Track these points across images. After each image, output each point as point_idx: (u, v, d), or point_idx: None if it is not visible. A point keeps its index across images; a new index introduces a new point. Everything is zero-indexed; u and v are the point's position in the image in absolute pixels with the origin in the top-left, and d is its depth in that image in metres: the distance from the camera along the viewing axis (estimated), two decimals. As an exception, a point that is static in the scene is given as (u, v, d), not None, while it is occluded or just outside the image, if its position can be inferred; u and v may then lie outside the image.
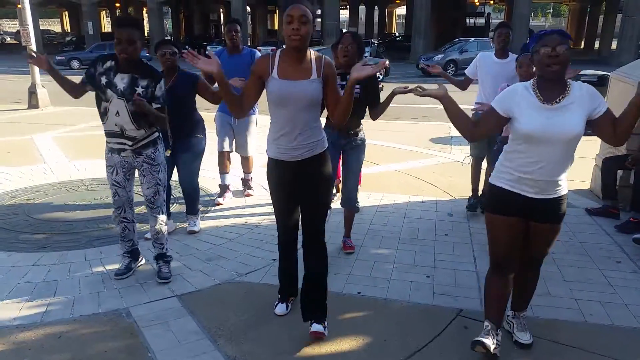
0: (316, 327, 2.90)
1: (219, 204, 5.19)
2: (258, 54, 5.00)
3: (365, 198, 5.17)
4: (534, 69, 2.55)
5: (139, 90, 3.22)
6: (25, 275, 3.64)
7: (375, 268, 3.80)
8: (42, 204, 5.21)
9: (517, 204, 2.58)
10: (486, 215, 2.74)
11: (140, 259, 3.77)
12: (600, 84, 8.27)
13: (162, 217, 3.58)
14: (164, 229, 3.61)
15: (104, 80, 3.22)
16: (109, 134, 3.36)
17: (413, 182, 6.01)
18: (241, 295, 3.42)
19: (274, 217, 3.08)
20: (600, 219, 4.77)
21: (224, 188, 5.32)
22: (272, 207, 3.05)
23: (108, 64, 3.25)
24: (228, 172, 5.31)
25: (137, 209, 3.99)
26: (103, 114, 3.29)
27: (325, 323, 2.96)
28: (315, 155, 2.79)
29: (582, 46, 40.04)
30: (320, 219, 2.92)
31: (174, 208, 4.91)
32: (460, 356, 2.78)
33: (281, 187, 2.89)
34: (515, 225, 2.63)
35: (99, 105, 3.30)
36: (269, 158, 2.87)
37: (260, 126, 5.23)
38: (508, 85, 3.61)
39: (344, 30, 5.58)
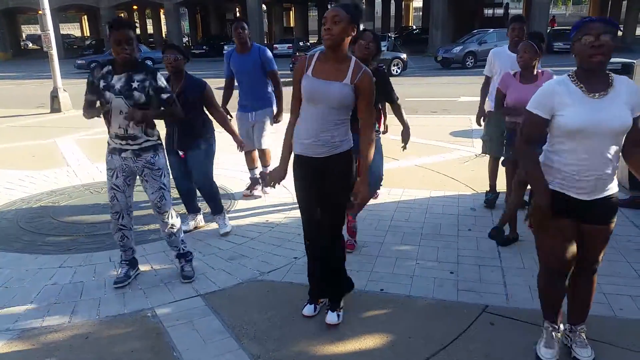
0: (329, 317, 3.02)
1: (245, 196, 5.37)
2: (267, 51, 5.01)
3: (386, 194, 5.14)
4: (575, 58, 2.31)
5: (135, 84, 3.23)
6: (52, 277, 3.70)
7: (397, 265, 3.77)
8: (67, 207, 5.30)
9: (567, 205, 2.41)
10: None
11: (137, 268, 3.72)
12: (625, 71, 8.06)
13: (171, 221, 3.54)
14: (175, 231, 3.58)
15: (102, 84, 3.26)
16: (112, 136, 3.39)
17: (434, 176, 5.96)
18: (264, 293, 3.43)
19: (294, 215, 3.07)
20: (628, 211, 4.66)
21: (254, 181, 5.50)
22: (292, 205, 3.05)
23: (105, 69, 3.29)
24: (256, 167, 5.49)
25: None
26: (106, 119, 3.33)
27: (341, 311, 3.04)
28: (340, 153, 2.80)
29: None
30: (338, 218, 2.92)
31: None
32: (487, 353, 2.74)
33: (306, 183, 2.90)
34: (567, 227, 2.45)
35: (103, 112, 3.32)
36: (294, 155, 2.89)
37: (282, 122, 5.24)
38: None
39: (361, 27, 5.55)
